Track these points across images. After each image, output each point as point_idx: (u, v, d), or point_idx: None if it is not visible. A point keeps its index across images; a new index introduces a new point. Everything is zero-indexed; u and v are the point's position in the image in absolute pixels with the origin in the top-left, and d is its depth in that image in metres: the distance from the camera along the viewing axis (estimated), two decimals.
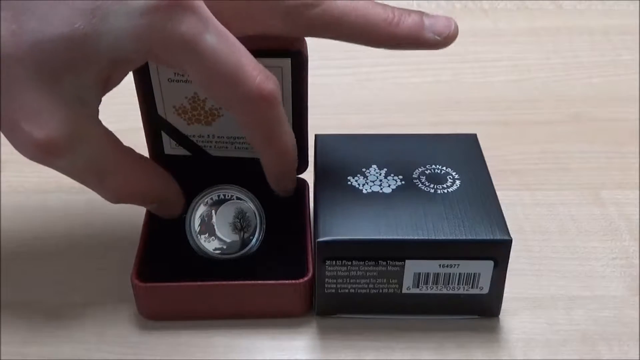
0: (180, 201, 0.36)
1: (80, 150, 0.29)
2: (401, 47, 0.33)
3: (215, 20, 0.29)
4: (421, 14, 0.33)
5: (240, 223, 0.35)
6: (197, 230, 0.35)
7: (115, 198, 0.33)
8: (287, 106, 0.35)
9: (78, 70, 0.28)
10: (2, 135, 0.29)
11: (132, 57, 0.29)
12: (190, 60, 0.29)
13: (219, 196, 0.36)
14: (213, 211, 0.35)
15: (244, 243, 0.35)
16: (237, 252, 0.35)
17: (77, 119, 0.29)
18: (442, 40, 0.33)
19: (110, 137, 0.32)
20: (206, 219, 0.35)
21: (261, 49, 0.32)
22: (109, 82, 0.31)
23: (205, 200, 0.36)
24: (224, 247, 0.35)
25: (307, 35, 0.33)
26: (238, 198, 0.36)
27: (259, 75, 0.30)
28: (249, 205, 0.36)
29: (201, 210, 0.35)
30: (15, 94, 0.28)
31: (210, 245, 0.35)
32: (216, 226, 0.35)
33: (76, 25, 0.27)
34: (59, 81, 0.28)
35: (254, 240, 0.35)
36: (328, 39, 0.32)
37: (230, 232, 0.35)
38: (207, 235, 0.35)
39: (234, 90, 0.29)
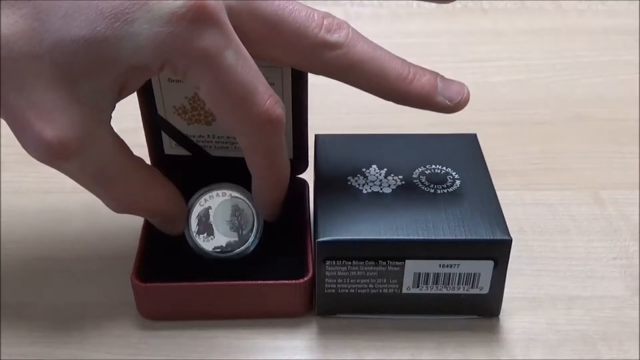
0: (184, 219, 0.35)
1: (90, 154, 0.29)
2: (410, 104, 0.33)
3: (237, 38, 0.29)
4: (436, 75, 0.33)
5: (238, 221, 0.35)
6: (196, 231, 0.35)
7: (120, 207, 0.33)
8: (287, 106, 0.35)
9: (96, 74, 0.28)
10: (10, 134, 0.29)
11: (151, 65, 0.28)
12: (206, 74, 0.28)
13: (213, 195, 0.36)
14: (210, 210, 0.36)
15: (243, 240, 0.35)
16: (237, 250, 0.35)
17: (90, 123, 0.28)
18: (452, 106, 0.33)
19: (121, 145, 0.31)
20: (203, 218, 0.35)
21: None
22: (125, 89, 0.30)
23: (201, 200, 0.36)
24: (223, 245, 0.35)
25: (319, 74, 0.33)
26: (233, 195, 0.36)
27: (269, 99, 0.30)
28: (245, 201, 0.36)
29: (197, 210, 0.36)
30: (30, 91, 0.27)
31: (209, 244, 0.35)
32: (214, 225, 0.35)
33: (98, 28, 0.27)
34: (76, 83, 0.28)
35: (252, 237, 0.35)
36: (340, 81, 0.33)
37: (228, 230, 0.35)
38: (205, 235, 0.35)
39: (243, 112, 0.29)
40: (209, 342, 0.35)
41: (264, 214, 0.36)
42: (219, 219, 0.35)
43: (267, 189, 0.35)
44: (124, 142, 0.31)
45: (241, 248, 0.35)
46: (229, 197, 0.36)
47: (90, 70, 0.28)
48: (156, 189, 0.34)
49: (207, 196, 0.36)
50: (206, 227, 0.35)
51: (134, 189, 0.32)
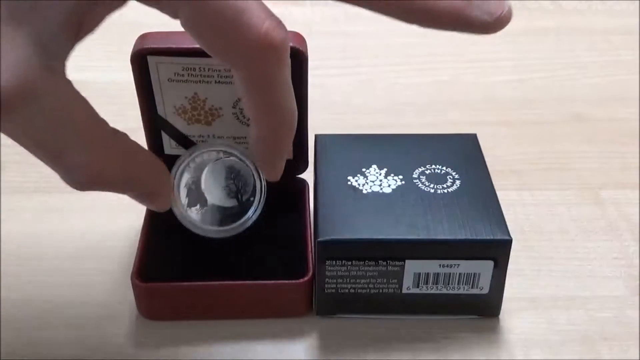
0: (168, 192, 0.30)
1: (33, 108, 0.23)
2: (440, 25, 0.26)
3: None
4: None
5: (235, 184, 0.30)
6: (186, 204, 0.30)
7: (79, 181, 0.26)
8: None
9: (40, 11, 0.23)
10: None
11: None
12: None
13: (202, 157, 0.30)
14: (200, 177, 0.30)
15: (245, 207, 0.30)
16: (239, 221, 0.30)
17: (33, 69, 0.23)
18: (492, 22, 0.26)
19: (82, 102, 0.25)
20: (193, 186, 0.30)
21: None
22: (81, 29, 0.25)
23: (188, 165, 0.30)
24: (221, 217, 0.30)
25: None
26: (227, 154, 0.30)
27: (266, 19, 0.24)
28: (241, 160, 0.30)
29: (185, 178, 0.30)
30: None
31: (204, 217, 0.30)
32: (207, 194, 0.30)
33: None
34: (17, 23, 0.23)
35: (256, 202, 0.30)
36: (358, 5, 0.28)
37: (225, 197, 0.30)
38: (198, 207, 0.30)
39: (234, 37, 0.24)
40: (208, 342, 0.35)
41: (266, 171, 0.30)
42: (211, 186, 0.30)
43: (270, 137, 0.28)
44: (87, 101, 0.25)
45: (244, 218, 0.30)
46: (221, 157, 0.30)
47: (33, 8, 0.23)
48: (128, 156, 0.27)
49: (193, 160, 0.30)
50: (198, 197, 0.30)
51: (97, 157, 0.26)
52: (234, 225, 0.30)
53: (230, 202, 0.30)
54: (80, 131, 0.25)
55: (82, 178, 0.25)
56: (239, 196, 0.30)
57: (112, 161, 0.26)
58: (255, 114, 0.27)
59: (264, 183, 0.30)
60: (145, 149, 0.28)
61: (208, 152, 0.30)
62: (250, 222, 0.30)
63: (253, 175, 0.30)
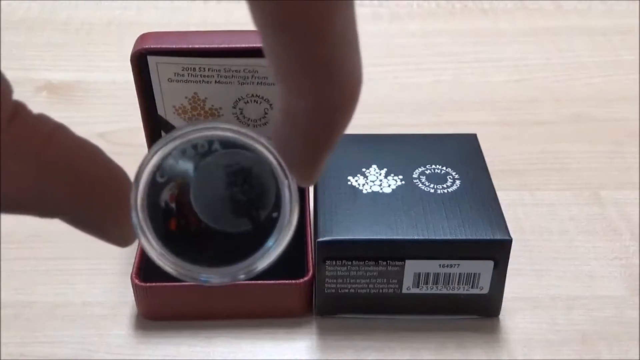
0: (127, 219, 0.18)
1: None
2: None
3: None
4: None
5: (245, 192, 0.19)
6: (163, 233, 0.18)
7: None
8: None
9: None
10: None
11: None
12: None
13: (186, 149, 0.18)
14: (185, 183, 0.18)
15: (262, 230, 0.19)
16: (255, 254, 0.19)
17: None
18: None
19: None
20: (173, 204, 0.18)
21: (261, 48, 0.32)
22: None
23: (164, 166, 0.18)
24: (225, 247, 0.19)
25: None
26: (228, 142, 0.18)
27: None
28: (253, 153, 0.18)
29: (154, 189, 0.18)
30: None
31: (194, 253, 0.19)
32: (198, 211, 0.19)
33: None
34: None
35: (284, 221, 0.18)
36: None
37: (228, 214, 0.19)
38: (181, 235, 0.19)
39: None
40: (208, 342, 0.35)
41: (298, 171, 0.18)
42: (204, 198, 0.19)
43: (320, 114, 0.17)
44: None
45: (265, 248, 0.18)
46: (217, 149, 0.18)
47: None
48: (53, 165, 0.17)
49: (170, 156, 0.18)
50: (184, 220, 0.19)
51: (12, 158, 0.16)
52: (246, 263, 0.18)
53: (236, 224, 0.19)
54: None
55: None
56: (252, 212, 0.19)
57: (15, 174, 0.16)
58: (293, 85, 0.17)
59: (294, 193, 0.18)
60: (91, 149, 0.17)
61: (201, 135, 0.18)
62: (274, 255, 0.19)
63: (276, 176, 0.18)
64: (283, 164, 0.18)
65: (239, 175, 0.19)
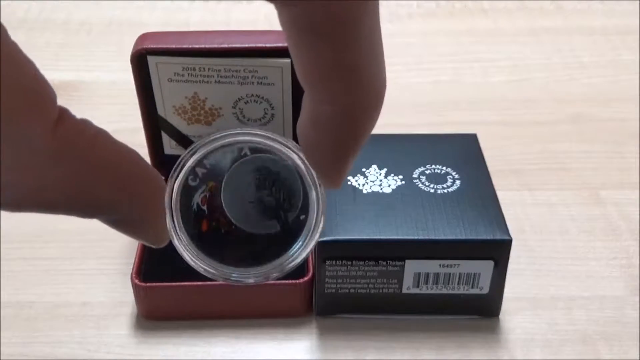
0: (163, 219, 0.20)
1: None
2: None
3: None
4: None
5: (274, 195, 0.19)
6: (196, 234, 0.20)
7: (12, 199, 0.17)
8: (287, 106, 0.35)
9: None
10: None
11: None
12: None
13: (217, 157, 0.19)
14: (217, 185, 0.20)
15: (290, 232, 0.20)
16: (285, 254, 0.20)
17: None
18: None
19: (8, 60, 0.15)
20: (205, 207, 0.20)
21: (261, 49, 0.32)
22: None
23: (195, 168, 0.19)
24: (253, 248, 0.20)
25: None
26: (255, 149, 0.19)
27: None
28: (281, 158, 0.19)
29: (187, 192, 0.19)
30: None
31: (225, 252, 0.20)
32: (230, 214, 0.20)
33: None
34: None
35: (312, 222, 0.19)
36: None
37: (257, 216, 0.20)
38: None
39: None
40: (208, 342, 0.35)
41: (326, 174, 0.19)
42: (235, 201, 0.20)
43: (346, 117, 0.18)
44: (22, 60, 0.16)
45: (285, 255, 0.19)
46: (247, 155, 0.19)
47: None
48: (99, 168, 0.17)
49: (203, 160, 0.19)
50: (216, 222, 0.20)
51: (34, 169, 0.16)
52: (276, 263, 0.19)
53: (265, 226, 0.20)
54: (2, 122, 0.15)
55: (15, 200, 0.17)
56: (281, 215, 0.20)
57: (61, 176, 0.17)
58: (321, 87, 0.17)
59: (322, 196, 0.19)
60: (130, 152, 0.18)
61: (223, 147, 0.19)
62: (304, 255, 0.19)
63: (304, 180, 0.19)
64: (311, 168, 0.19)
65: (268, 179, 0.19)
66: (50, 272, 0.38)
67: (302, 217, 0.19)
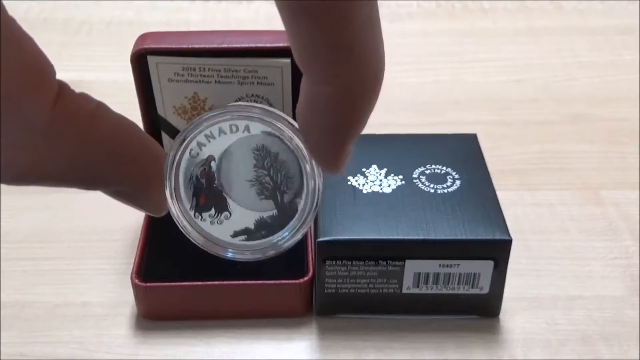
0: (161, 190, 0.20)
1: None
2: None
3: None
4: None
5: (271, 175, 0.19)
6: (192, 206, 0.20)
7: (11, 172, 0.17)
8: (287, 106, 0.35)
9: None
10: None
11: None
12: None
13: (221, 129, 0.19)
14: (214, 163, 0.19)
15: (286, 213, 0.20)
16: (272, 237, 0.20)
17: None
18: None
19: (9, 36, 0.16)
20: (203, 180, 0.20)
21: (261, 49, 0.32)
22: None
23: (194, 144, 0.19)
24: (250, 227, 0.20)
25: None
26: (257, 128, 0.19)
27: None
28: (282, 139, 0.19)
29: (189, 165, 0.19)
30: None
31: (222, 229, 0.20)
32: (227, 190, 0.20)
33: None
34: None
35: (305, 204, 0.19)
36: None
37: (253, 196, 0.20)
38: (212, 212, 0.20)
39: None
40: (208, 342, 0.35)
41: (324, 158, 0.19)
42: (234, 176, 0.19)
43: (345, 99, 0.18)
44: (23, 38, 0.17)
45: (288, 227, 0.20)
46: (250, 132, 0.19)
47: None
48: (101, 142, 0.18)
49: (204, 134, 0.19)
50: (213, 196, 0.20)
51: (34, 130, 0.17)
52: (271, 240, 0.19)
53: (261, 206, 0.20)
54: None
55: (14, 172, 0.17)
56: (277, 195, 0.19)
57: (62, 151, 0.17)
58: (318, 69, 0.17)
59: (319, 179, 0.19)
60: (129, 124, 0.19)
61: (226, 119, 0.19)
62: (299, 235, 0.20)
63: (300, 161, 0.19)
64: (305, 152, 0.19)
65: (267, 159, 0.19)
66: (50, 272, 0.38)
67: (298, 199, 0.20)
